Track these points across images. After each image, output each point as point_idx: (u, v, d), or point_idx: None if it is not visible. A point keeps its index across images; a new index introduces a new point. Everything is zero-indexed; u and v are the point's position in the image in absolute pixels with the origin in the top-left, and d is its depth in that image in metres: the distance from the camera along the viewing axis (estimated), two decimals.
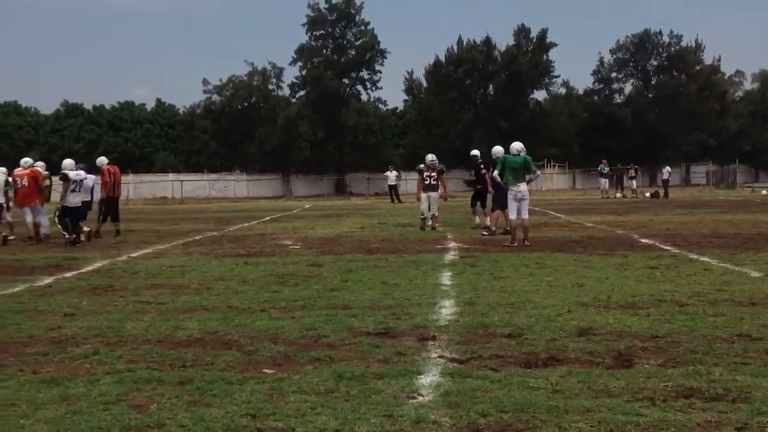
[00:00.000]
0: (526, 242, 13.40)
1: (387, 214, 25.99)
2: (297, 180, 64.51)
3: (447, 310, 7.33)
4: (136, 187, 55.60)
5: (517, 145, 13.78)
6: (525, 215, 13.60)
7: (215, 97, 65.97)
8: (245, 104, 65.81)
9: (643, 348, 5.61)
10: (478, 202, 18.27)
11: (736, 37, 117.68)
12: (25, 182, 16.62)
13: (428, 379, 4.94)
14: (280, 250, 13.87)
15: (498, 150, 15.39)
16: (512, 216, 13.60)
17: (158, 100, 72.09)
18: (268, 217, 25.84)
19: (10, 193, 16.90)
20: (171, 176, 58.48)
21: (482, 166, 18.18)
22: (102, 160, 18.34)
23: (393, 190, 40.89)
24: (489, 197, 17.02)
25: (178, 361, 5.55)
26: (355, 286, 9.00)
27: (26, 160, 17.58)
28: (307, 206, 37.40)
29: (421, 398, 4.54)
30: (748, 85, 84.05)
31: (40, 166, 17.84)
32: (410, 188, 46.37)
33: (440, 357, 5.50)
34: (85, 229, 16.16)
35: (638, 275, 9.48)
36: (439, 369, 5.17)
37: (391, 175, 41.81)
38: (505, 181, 13.62)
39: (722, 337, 5.87)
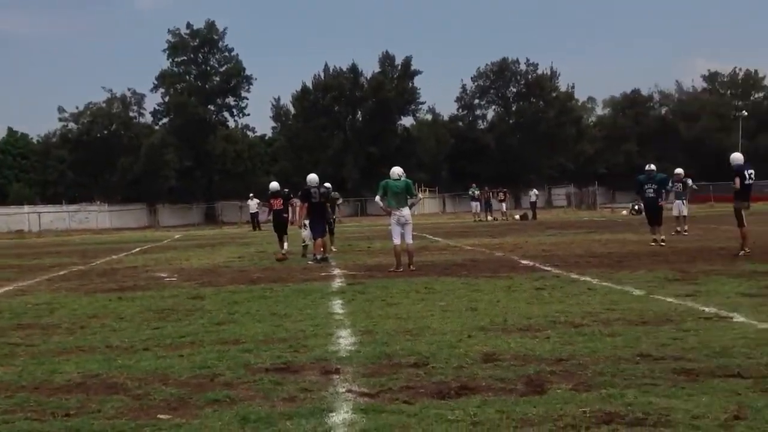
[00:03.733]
0: (411, 267, 13.34)
1: (264, 242, 25.42)
2: (164, 209, 62.49)
3: (345, 340, 7.05)
4: None
5: (397, 170, 13.73)
6: (409, 240, 13.54)
7: (72, 126, 63.21)
8: (105, 132, 63.44)
9: (552, 372, 5.53)
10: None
11: (587, 65, 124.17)
12: None
13: (340, 416, 4.63)
14: (156, 283, 13.17)
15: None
16: (396, 241, 13.48)
17: (9, 129, 68.20)
18: (137, 249, 24.73)
19: None
20: (26, 208, 55.32)
21: (291, 195, 18.37)
22: None
23: (254, 218, 40.64)
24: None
25: (60, 409, 4.99)
26: (243, 319, 8.57)
27: None
28: (177, 236, 36.19)
29: None
30: (599, 110, 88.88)
31: None
32: None
33: (348, 391, 5.21)
34: None
35: (527, 297, 9.54)
36: (350, 405, 4.87)
37: (252, 203, 41.50)
38: (388, 206, 13.52)
39: (625, 358, 5.88)
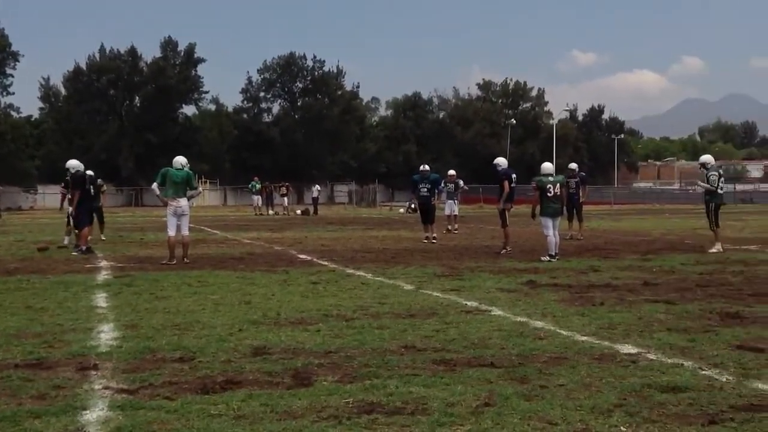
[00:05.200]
0: (185, 259, 12.95)
1: (25, 231, 23.59)
2: None
3: (107, 335, 6.67)
4: None
5: (181, 159, 13.25)
6: (185, 231, 13.14)
7: None
8: None
9: (320, 365, 5.56)
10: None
11: (373, 66, 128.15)
12: None
13: (95, 414, 4.36)
14: None
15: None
16: (171, 233, 13.01)
17: None
18: None
19: None
20: None
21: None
22: None
23: None
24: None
25: None
26: None
27: None
28: None
29: None
30: (382, 111, 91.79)
31: None
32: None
33: (106, 388, 4.91)
34: None
35: (302, 291, 9.58)
36: (107, 402, 4.59)
37: None
38: (165, 195, 13.01)
39: (391, 350, 6.05)
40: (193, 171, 14.04)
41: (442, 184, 20.46)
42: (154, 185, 13.41)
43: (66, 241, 16.82)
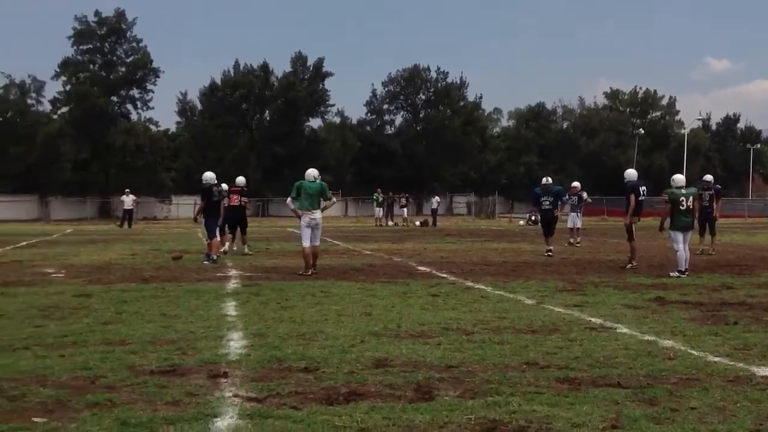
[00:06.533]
0: (314, 270, 13.20)
1: (160, 240, 24.81)
2: (56, 202, 60.02)
3: (236, 343, 6.93)
4: None
5: (313, 172, 13.55)
6: (316, 242, 13.38)
7: None
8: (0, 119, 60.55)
9: (441, 379, 5.58)
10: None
11: (496, 77, 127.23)
12: None
13: (225, 422, 4.53)
14: (42, 278, 12.64)
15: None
16: (306, 243, 13.28)
17: None
18: (24, 243, 23.69)
19: None
20: None
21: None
22: None
23: (128, 215, 39.22)
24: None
25: None
26: (131, 319, 8.32)
27: None
28: (69, 230, 34.91)
29: None
30: (504, 122, 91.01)
31: None
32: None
33: (235, 396, 5.11)
34: None
35: (422, 303, 9.62)
36: (236, 410, 4.77)
37: (128, 199, 39.60)
38: (300, 208, 13.33)
39: (512, 366, 6.00)
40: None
41: (566, 197, 20.08)
42: (289, 200, 13.74)
43: (226, 247, 17.69)
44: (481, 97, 78.66)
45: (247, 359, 6.23)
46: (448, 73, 76.61)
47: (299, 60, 70.18)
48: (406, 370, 5.86)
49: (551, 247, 17.78)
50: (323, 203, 13.49)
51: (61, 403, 4.92)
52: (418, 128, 76.58)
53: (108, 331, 7.51)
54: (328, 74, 70.49)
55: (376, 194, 43.52)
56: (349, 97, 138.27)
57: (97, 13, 63.10)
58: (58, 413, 4.71)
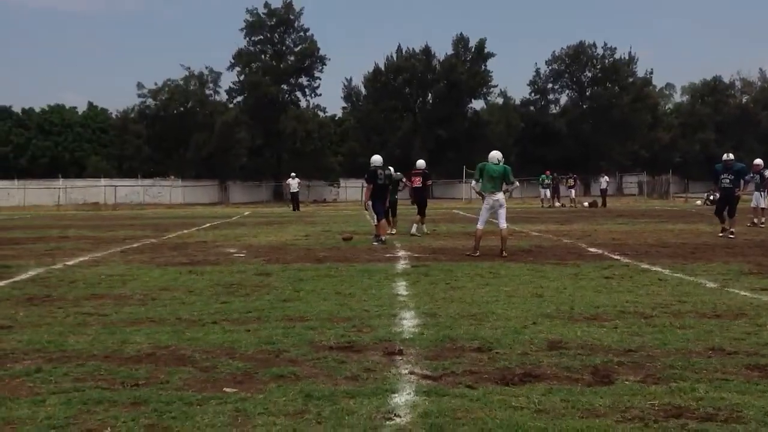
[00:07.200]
0: (504, 253, 13.08)
1: (330, 222, 25.62)
2: (234, 186, 63.57)
3: (408, 321, 7.04)
4: (67, 193, 53.95)
5: (497, 154, 13.45)
6: (503, 224, 13.31)
7: (150, 102, 64.65)
8: (181, 109, 64.62)
9: (620, 363, 5.42)
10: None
11: (667, 50, 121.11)
12: None
13: (403, 398, 4.63)
14: (225, 258, 13.39)
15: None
16: (480, 226, 13.33)
17: (90, 104, 70.37)
18: (208, 224, 25.20)
19: None
20: (103, 181, 56.93)
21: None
22: None
23: (294, 197, 40.68)
24: None
25: (129, 379, 5.13)
26: (308, 297, 8.64)
27: None
28: (246, 213, 36.77)
29: (399, 419, 4.24)
30: (677, 97, 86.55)
31: None
32: (352, 195, 45.41)
33: (411, 373, 5.20)
34: None
35: (595, 285, 9.36)
36: (413, 387, 4.86)
37: (293, 182, 41.16)
38: (482, 190, 13.36)
39: (696, 351, 5.72)
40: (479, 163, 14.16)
41: (750, 175, 18.85)
42: (473, 182, 13.84)
43: (414, 229, 18.25)
44: (651, 73, 75.25)
45: (420, 338, 6.31)
46: (615, 48, 73.96)
47: (461, 42, 69.95)
48: (582, 352, 5.74)
49: (733, 229, 16.76)
50: (505, 186, 13.38)
51: (249, 375, 5.21)
52: (584, 107, 74.37)
53: (288, 308, 7.85)
54: (490, 55, 69.88)
55: (543, 176, 42.64)
56: (512, 78, 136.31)
57: (266, 5, 65.83)
58: (246, 384, 4.99)
